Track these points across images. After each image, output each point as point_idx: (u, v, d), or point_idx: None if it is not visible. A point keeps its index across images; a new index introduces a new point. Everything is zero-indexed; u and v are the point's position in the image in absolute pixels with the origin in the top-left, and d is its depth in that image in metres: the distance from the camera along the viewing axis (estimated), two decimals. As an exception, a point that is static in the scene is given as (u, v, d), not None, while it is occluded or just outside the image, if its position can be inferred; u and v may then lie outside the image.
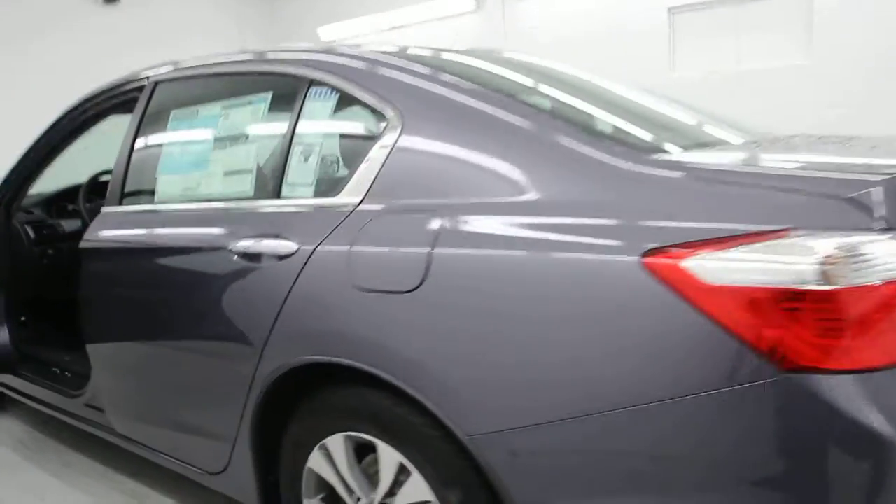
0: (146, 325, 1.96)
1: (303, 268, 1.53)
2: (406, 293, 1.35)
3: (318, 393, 1.59)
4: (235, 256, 1.68)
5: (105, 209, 2.17)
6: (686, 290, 1.08)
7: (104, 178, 3.01)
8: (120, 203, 2.14)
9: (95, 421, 2.35)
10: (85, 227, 2.94)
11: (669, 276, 1.09)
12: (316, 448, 1.61)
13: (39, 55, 6.10)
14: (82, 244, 2.15)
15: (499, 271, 1.26)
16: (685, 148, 1.48)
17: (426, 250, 1.34)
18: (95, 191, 2.96)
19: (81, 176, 3.20)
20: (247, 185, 1.80)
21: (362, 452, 1.57)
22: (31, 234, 2.81)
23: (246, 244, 1.66)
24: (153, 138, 2.14)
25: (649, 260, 1.12)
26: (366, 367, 1.41)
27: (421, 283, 1.33)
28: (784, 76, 5.33)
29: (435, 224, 1.36)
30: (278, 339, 1.58)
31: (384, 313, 1.38)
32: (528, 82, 1.81)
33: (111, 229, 2.11)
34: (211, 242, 1.77)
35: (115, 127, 2.60)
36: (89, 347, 2.22)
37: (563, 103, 1.74)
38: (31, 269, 2.82)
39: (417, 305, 1.34)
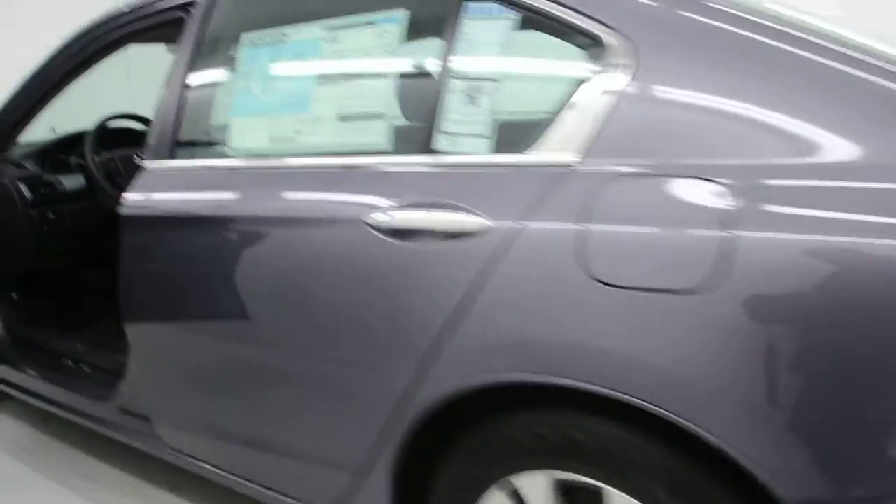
0: (229, 318, 1.49)
1: (498, 251, 1.09)
2: (688, 293, 0.94)
3: (499, 417, 1.18)
4: (376, 232, 1.23)
5: (150, 164, 1.66)
6: None
7: (113, 123, 2.48)
8: (171, 156, 1.63)
9: (132, 429, 1.89)
10: (90, 185, 2.43)
11: None
12: (493, 488, 1.21)
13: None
14: (125, 210, 1.65)
15: (847, 266, 0.86)
16: None
17: (724, 233, 0.93)
18: (103, 141, 2.42)
19: (78, 122, 2.64)
20: (377, 134, 1.33)
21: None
22: (27, 193, 2.26)
23: (394, 216, 1.21)
24: (216, 71, 1.64)
25: None
26: (616, 394, 1.01)
27: (716, 280, 0.92)
28: None
29: (734, 195, 0.94)
30: (454, 349, 1.15)
31: (650, 319, 0.97)
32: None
33: (166, 191, 1.61)
34: (332, 212, 1.31)
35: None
36: (133, 340, 1.74)
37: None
38: (27, 237, 2.28)
39: (709, 311, 0.93)
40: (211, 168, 1.57)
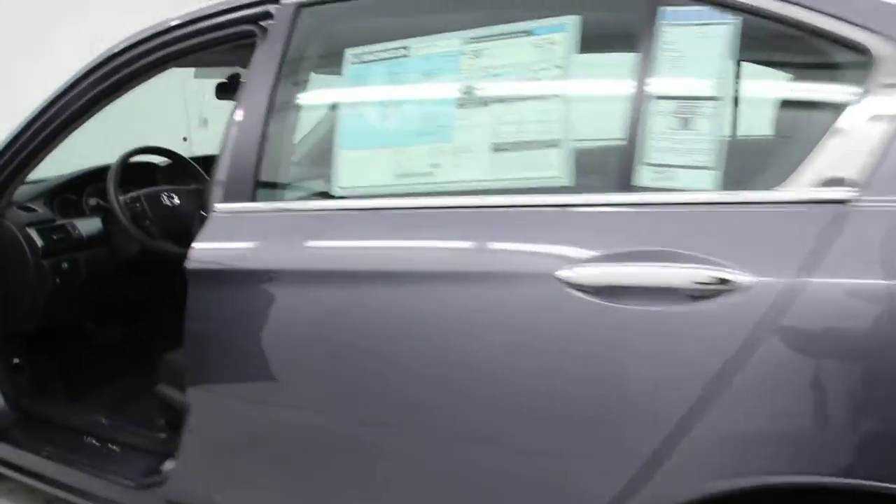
0: (348, 397, 1.20)
1: (770, 315, 0.85)
2: None
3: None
4: (573, 290, 0.97)
5: (223, 208, 1.37)
6: None
7: (135, 158, 2.17)
8: (252, 198, 1.34)
9: None
10: (108, 229, 2.11)
11: None
12: None
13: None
14: (194, 263, 1.35)
15: None
16: None
17: None
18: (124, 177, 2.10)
19: (84, 159, 2.32)
20: (551, 166, 1.08)
21: None
22: (38, 240, 1.92)
23: (602, 270, 0.96)
24: (311, 94, 1.38)
25: None
26: None
27: None
28: None
29: None
30: (702, 442, 0.89)
31: None
32: None
33: (247, 239, 1.32)
34: (506, 265, 1.04)
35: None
36: (201, 417, 1.43)
37: None
38: (38, 291, 1.94)
39: None
40: (310, 211, 1.29)
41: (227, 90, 2.22)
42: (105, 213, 2.07)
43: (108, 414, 1.99)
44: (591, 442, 0.98)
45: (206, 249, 1.34)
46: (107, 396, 2.23)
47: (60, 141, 1.80)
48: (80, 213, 2.17)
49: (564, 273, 0.98)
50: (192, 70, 2.28)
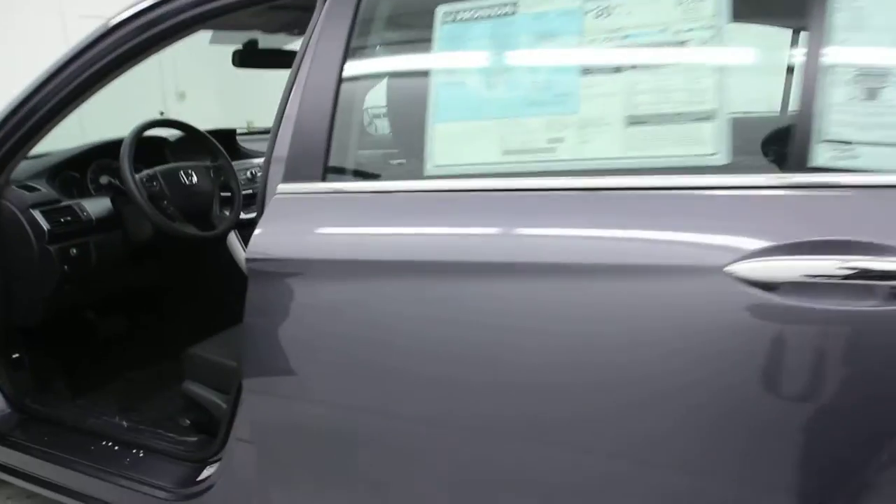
0: (456, 406, 1.05)
1: None
2: None
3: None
4: (749, 288, 0.84)
5: (286, 188, 1.19)
6: None
7: (148, 132, 1.96)
8: (323, 177, 1.17)
9: None
10: (120, 210, 1.91)
11: None
12: None
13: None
14: (256, 252, 1.18)
15: None
16: None
17: None
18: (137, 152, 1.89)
19: (87, 132, 2.10)
20: (704, 142, 0.93)
21: None
22: (44, 224, 1.71)
23: (782, 266, 0.83)
24: (393, 59, 1.20)
25: None
26: None
27: None
28: None
29: None
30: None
31: None
32: None
33: (322, 225, 1.15)
34: (656, 256, 0.90)
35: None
36: (262, 421, 1.27)
37: None
38: (44, 281, 1.74)
39: None
40: (398, 193, 1.12)
41: (246, 58, 2.02)
42: (116, 192, 1.87)
43: (124, 414, 1.80)
44: (775, 469, 0.85)
45: (271, 236, 1.17)
46: (116, 394, 2.04)
47: (77, 106, 1.59)
48: (84, 193, 1.96)
49: (737, 267, 0.84)
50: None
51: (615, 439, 0.94)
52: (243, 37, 2.06)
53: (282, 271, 1.15)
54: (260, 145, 2.56)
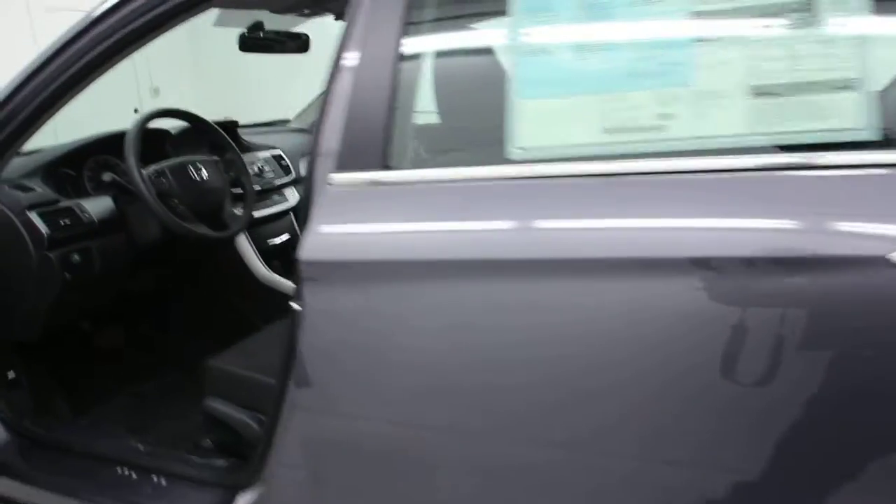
0: (549, 423, 0.92)
1: None
2: None
3: None
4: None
5: (341, 179, 1.05)
6: None
7: (152, 124, 1.79)
8: (384, 165, 1.03)
9: None
10: (123, 210, 1.74)
11: None
12: None
13: None
14: (309, 252, 1.03)
15: None
16: None
17: None
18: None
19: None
20: (847, 115, 0.82)
21: None
22: (42, 227, 1.53)
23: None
24: (457, 32, 1.07)
25: None
26: None
27: None
28: None
29: None
30: None
31: None
32: None
33: (393, 219, 1.01)
34: (795, 248, 0.79)
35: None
36: (313, 446, 1.13)
37: None
38: (43, 290, 1.56)
39: None
40: (476, 180, 0.98)
41: (251, 43, 1.86)
42: (120, 190, 1.70)
43: (136, 435, 1.64)
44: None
45: (329, 235, 1.03)
46: (123, 411, 1.88)
47: (76, 93, 1.43)
48: (81, 192, 1.79)
49: (903, 255, 0.73)
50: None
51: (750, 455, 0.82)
52: (248, 18, 1.91)
53: (352, 274, 1.00)
54: (261, 138, 2.39)
